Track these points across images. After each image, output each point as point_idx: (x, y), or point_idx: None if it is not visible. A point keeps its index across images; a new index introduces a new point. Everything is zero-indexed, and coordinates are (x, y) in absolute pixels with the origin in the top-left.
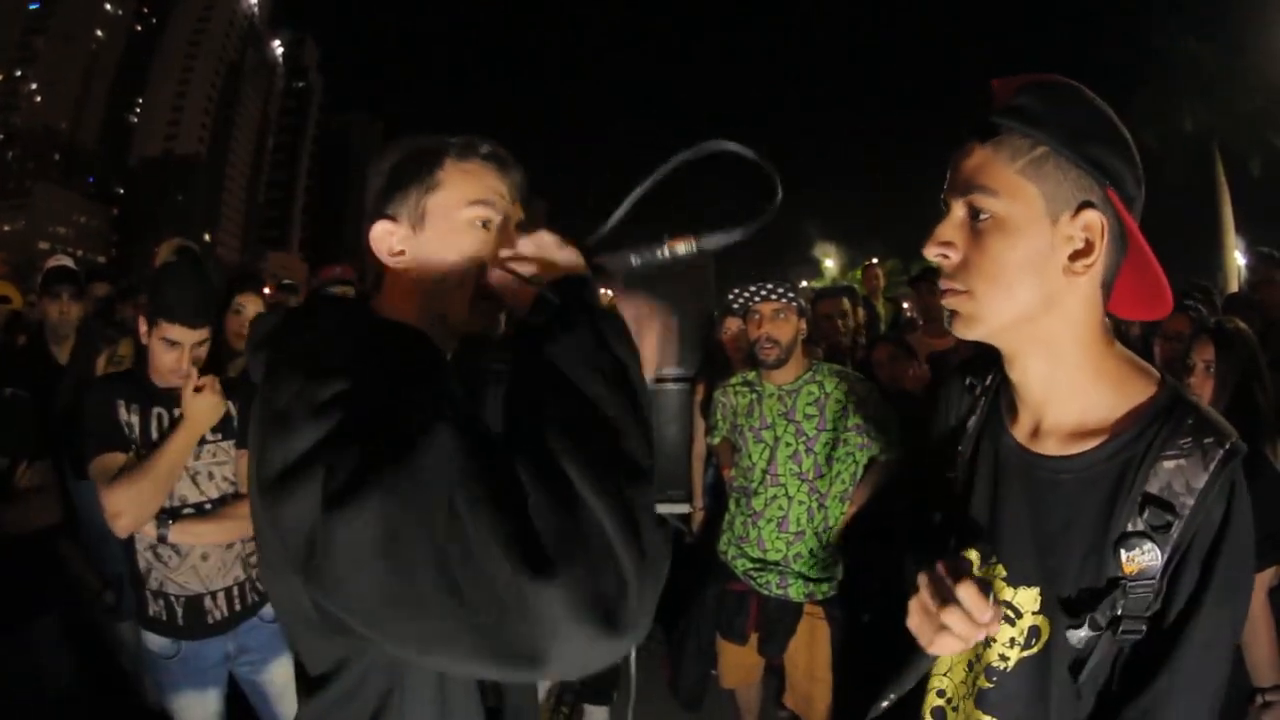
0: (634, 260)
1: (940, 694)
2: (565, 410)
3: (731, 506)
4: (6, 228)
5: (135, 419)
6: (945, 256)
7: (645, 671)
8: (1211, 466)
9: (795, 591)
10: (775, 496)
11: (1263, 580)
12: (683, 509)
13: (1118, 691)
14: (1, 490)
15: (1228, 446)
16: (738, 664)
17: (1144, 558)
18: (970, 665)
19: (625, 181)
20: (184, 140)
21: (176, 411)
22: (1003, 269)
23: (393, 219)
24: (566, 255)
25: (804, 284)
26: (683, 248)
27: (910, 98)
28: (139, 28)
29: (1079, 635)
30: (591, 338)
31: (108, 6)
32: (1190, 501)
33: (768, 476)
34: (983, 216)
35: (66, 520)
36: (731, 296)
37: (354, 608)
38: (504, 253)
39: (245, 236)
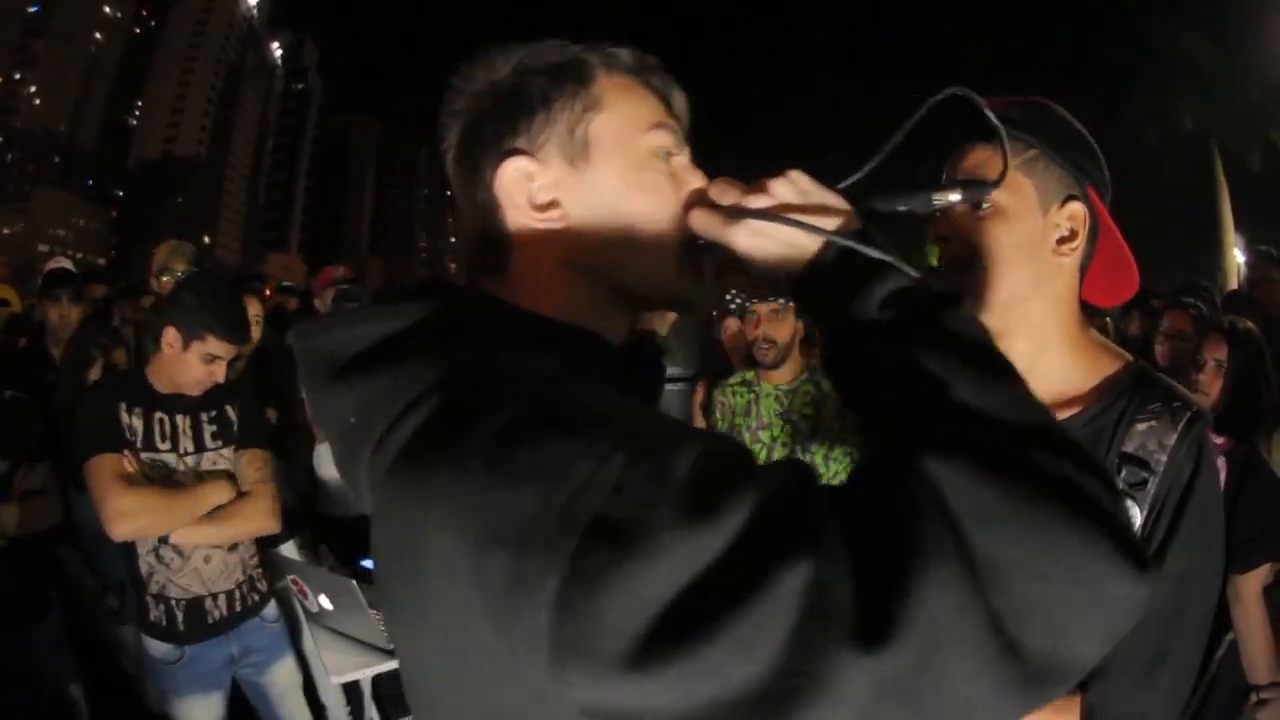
0: (901, 208)
1: None
2: (982, 388)
3: None
4: (6, 230)
5: (139, 422)
6: (946, 240)
7: None
8: (1180, 426)
9: None
10: None
11: (1258, 578)
12: None
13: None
14: (1, 493)
15: (1194, 410)
16: None
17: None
18: None
19: None
20: (183, 142)
21: (179, 418)
22: (1003, 248)
23: (529, 155)
24: (833, 200)
25: None
26: (954, 196)
27: (910, 96)
28: (138, 30)
29: None
30: (941, 297)
31: (107, 9)
32: (1163, 458)
33: None
34: (985, 205)
35: (65, 524)
36: (729, 296)
37: None
38: (748, 198)
39: (245, 238)
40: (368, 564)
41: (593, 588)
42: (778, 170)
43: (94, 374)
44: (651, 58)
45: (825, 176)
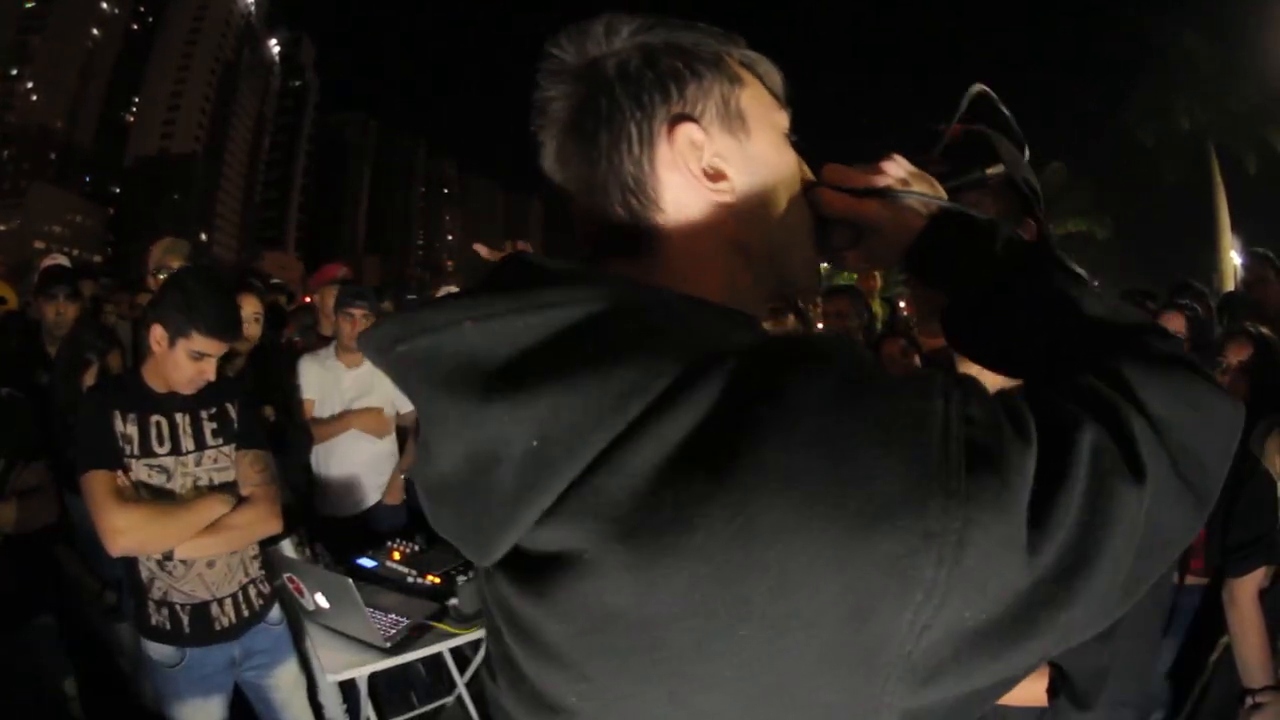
0: (956, 183)
1: None
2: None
3: None
4: (1, 227)
5: (134, 429)
6: None
7: None
8: None
9: None
10: None
11: (1253, 582)
12: None
13: None
14: None
15: None
16: None
17: None
18: None
19: None
20: (180, 140)
21: (178, 417)
22: None
23: (695, 120)
24: (929, 178)
25: None
26: (997, 169)
27: (909, 93)
28: (135, 27)
29: None
30: (1036, 244)
31: (104, 5)
32: None
33: None
34: (994, 172)
35: (62, 523)
36: None
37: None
38: (873, 178)
39: (242, 236)
40: (364, 562)
41: (989, 517)
42: (877, 157)
43: (89, 377)
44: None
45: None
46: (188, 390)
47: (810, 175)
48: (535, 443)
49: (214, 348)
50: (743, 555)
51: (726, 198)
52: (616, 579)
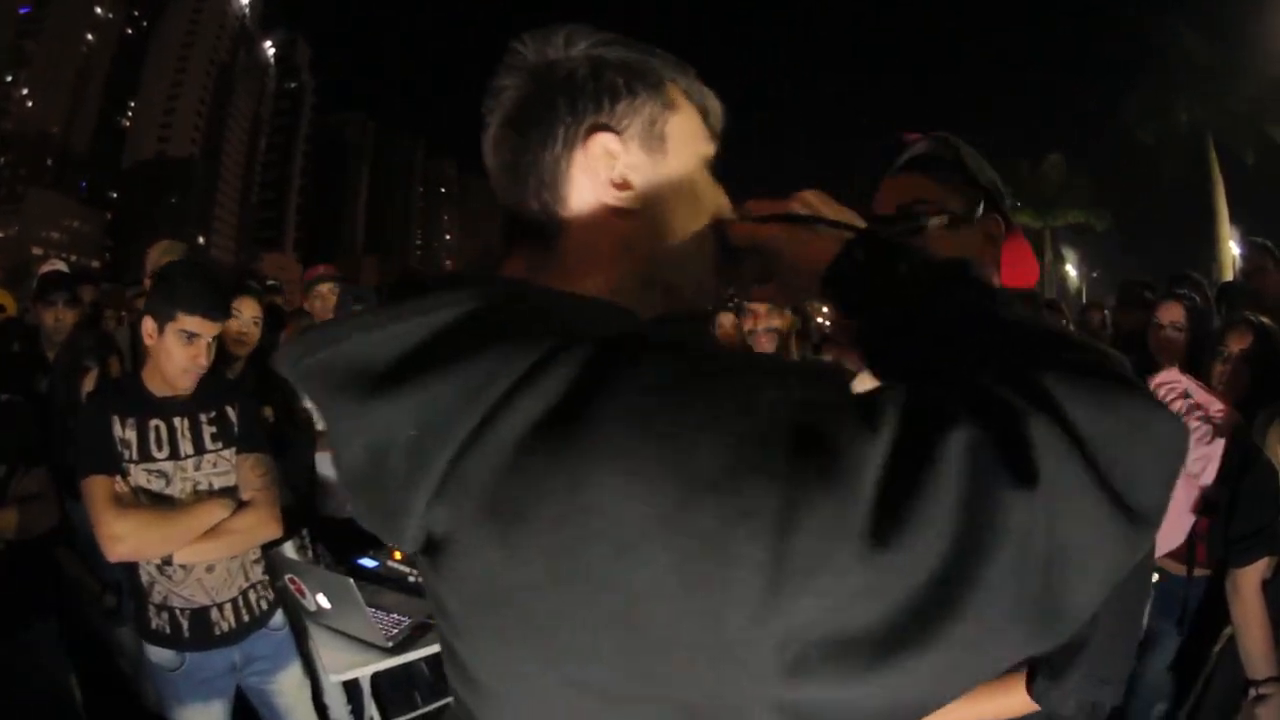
0: (896, 228)
1: None
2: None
3: None
4: (0, 234)
5: (133, 434)
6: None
7: None
8: None
9: None
10: None
11: (1257, 572)
12: None
13: None
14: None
15: None
16: None
17: None
18: None
19: None
20: (177, 143)
21: (177, 421)
22: (958, 253)
23: (616, 133)
24: (847, 210)
25: None
26: (936, 220)
27: (907, 90)
28: (130, 31)
29: None
30: (954, 261)
31: (99, 10)
32: None
33: None
34: (923, 221)
35: (63, 526)
36: (728, 293)
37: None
38: (786, 207)
39: (240, 238)
40: (365, 562)
41: (816, 498)
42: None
43: (88, 383)
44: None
45: (816, 168)
46: (185, 383)
47: (728, 208)
48: (414, 431)
49: (201, 326)
50: (581, 526)
51: (628, 204)
52: (487, 554)
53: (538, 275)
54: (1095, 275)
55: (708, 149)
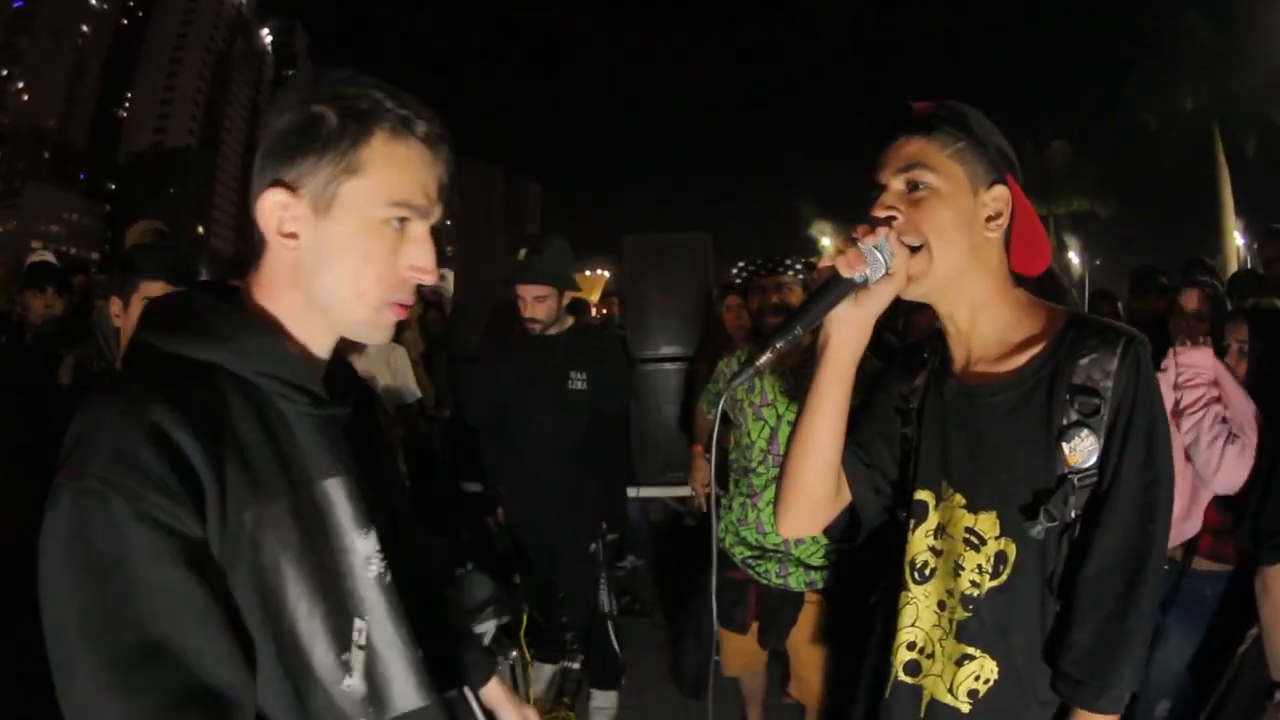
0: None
1: (910, 646)
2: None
3: (730, 487)
4: None
5: None
6: (894, 216)
7: (648, 659)
8: (1118, 351)
9: (795, 581)
10: (776, 477)
11: None
12: (682, 491)
13: (1068, 562)
14: None
15: (1128, 336)
16: (739, 652)
17: (1084, 445)
18: (941, 604)
19: (619, 170)
20: (174, 133)
21: None
22: (944, 224)
23: (291, 190)
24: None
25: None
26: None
27: (907, 73)
28: (125, 21)
29: (1037, 528)
30: None
31: (93, 2)
32: (1109, 384)
33: (769, 456)
34: (923, 187)
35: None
36: (736, 271)
37: None
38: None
39: (239, 227)
40: None
41: None
42: None
43: (65, 372)
44: (441, 127)
45: (819, 154)
46: None
47: (408, 261)
48: None
49: (161, 290)
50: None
51: (293, 252)
52: None
53: (252, 284)
54: (1098, 263)
55: (395, 214)
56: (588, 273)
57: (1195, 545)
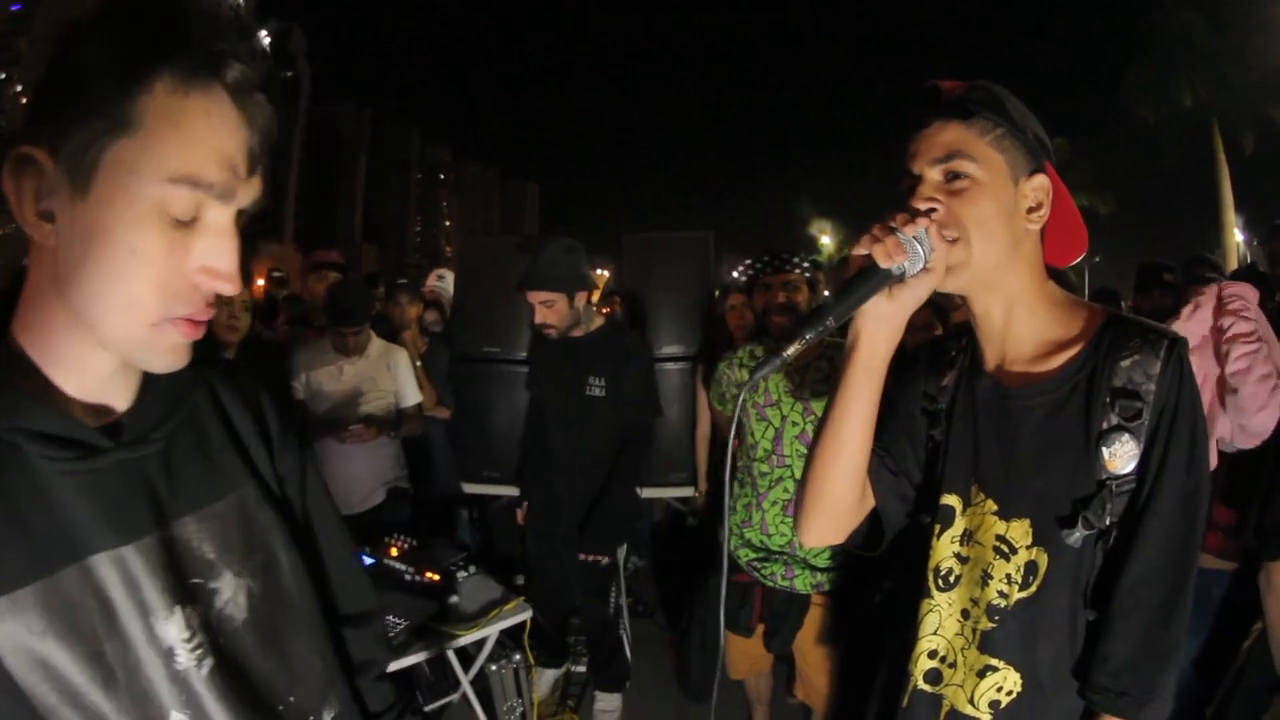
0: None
1: (932, 655)
2: None
3: (735, 488)
4: None
5: None
6: (934, 209)
7: (652, 661)
8: (1161, 354)
9: (802, 583)
10: (780, 478)
11: None
12: (685, 492)
13: (1103, 571)
14: None
15: (1170, 337)
16: (745, 655)
17: (1124, 449)
18: (965, 613)
19: (616, 167)
20: None
21: None
22: (987, 217)
23: (48, 150)
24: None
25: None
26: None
27: (907, 70)
28: None
29: (1074, 536)
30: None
31: (92, 4)
32: (1151, 387)
33: (773, 457)
34: (963, 178)
35: None
36: (740, 270)
37: None
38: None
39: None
40: (360, 559)
41: None
42: None
43: None
44: (258, 65)
45: (819, 153)
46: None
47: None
48: None
49: None
50: None
51: (49, 240)
52: None
53: (21, 292)
54: (1098, 260)
55: (172, 197)
56: None
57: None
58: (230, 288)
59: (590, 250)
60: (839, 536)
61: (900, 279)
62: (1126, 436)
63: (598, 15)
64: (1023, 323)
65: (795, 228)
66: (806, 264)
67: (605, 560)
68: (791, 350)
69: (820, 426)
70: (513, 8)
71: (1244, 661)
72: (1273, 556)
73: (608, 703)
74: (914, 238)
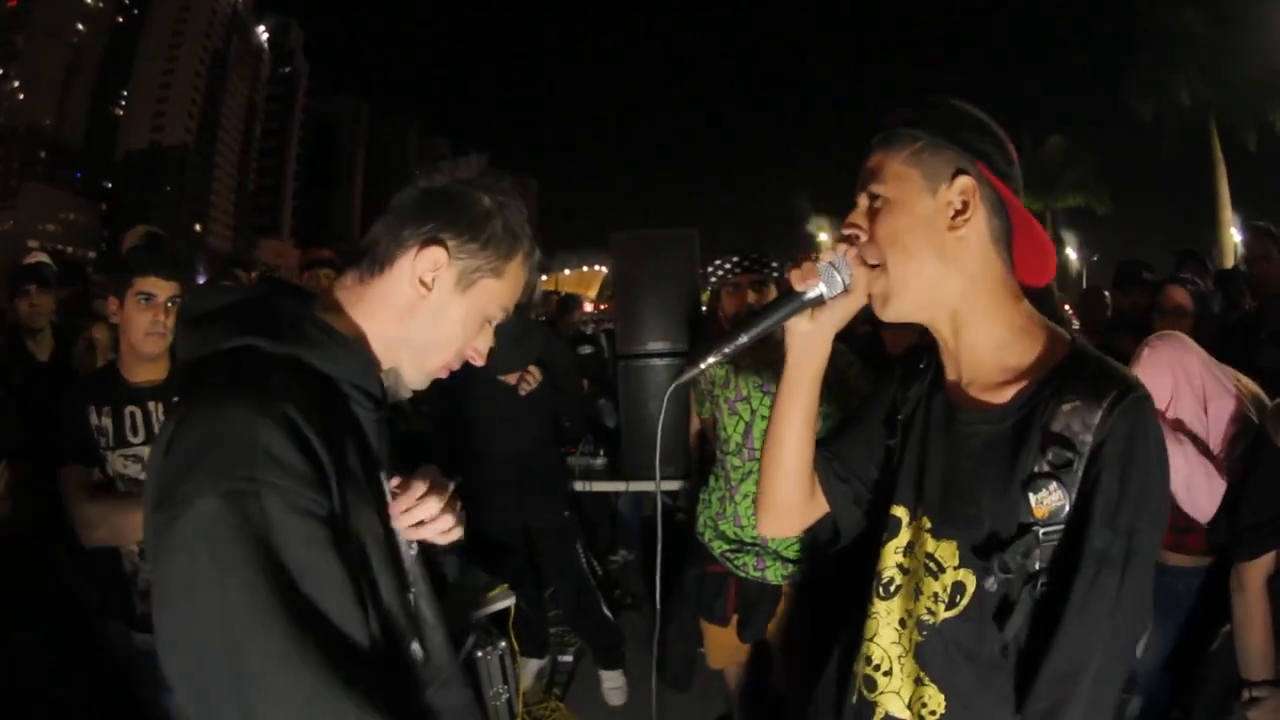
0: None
1: (868, 660)
2: None
3: (710, 481)
4: None
5: (109, 421)
6: (856, 236)
7: (639, 652)
8: (1104, 404)
9: (773, 574)
10: (751, 471)
11: (1261, 567)
12: (673, 486)
13: (1029, 647)
14: None
15: (1121, 388)
16: (722, 645)
17: (1052, 499)
18: (902, 623)
19: (614, 166)
20: (171, 131)
21: (151, 405)
22: (898, 235)
23: (448, 253)
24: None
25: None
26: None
27: (905, 68)
28: (121, 19)
29: (990, 580)
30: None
31: (88, 0)
32: (1088, 439)
33: (744, 450)
34: (876, 201)
35: (52, 522)
36: (710, 270)
37: None
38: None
39: (237, 225)
40: None
41: None
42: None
43: (77, 353)
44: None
45: (814, 150)
46: (150, 347)
47: (466, 349)
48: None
49: (155, 285)
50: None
51: (418, 300)
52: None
53: (345, 298)
54: (1095, 259)
55: (494, 315)
56: (584, 269)
57: (1181, 542)
58: (479, 360)
59: (591, 246)
60: (792, 530)
61: (820, 302)
62: (1054, 484)
63: (598, 13)
64: (978, 340)
65: (792, 224)
66: (775, 264)
67: (566, 513)
68: (709, 361)
69: (766, 430)
70: (512, 6)
71: (1209, 664)
72: (1244, 557)
73: (612, 680)
74: (830, 264)
